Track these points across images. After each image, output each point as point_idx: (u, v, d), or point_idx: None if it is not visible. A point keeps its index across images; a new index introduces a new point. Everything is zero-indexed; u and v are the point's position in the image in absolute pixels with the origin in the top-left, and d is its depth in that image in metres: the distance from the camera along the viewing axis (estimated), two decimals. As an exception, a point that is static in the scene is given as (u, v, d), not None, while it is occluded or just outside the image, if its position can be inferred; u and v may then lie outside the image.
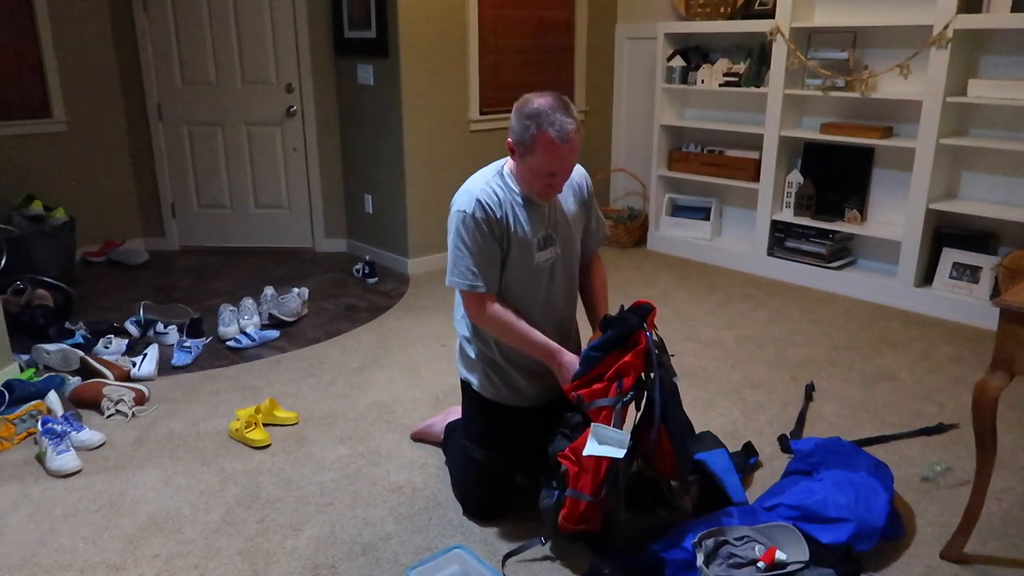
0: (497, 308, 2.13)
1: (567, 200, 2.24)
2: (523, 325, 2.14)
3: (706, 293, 4.29)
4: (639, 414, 2.07)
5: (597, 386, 2.00)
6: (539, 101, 2.00)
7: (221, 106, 4.82)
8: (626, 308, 2.11)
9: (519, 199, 2.12)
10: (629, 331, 2.02)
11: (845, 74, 4.02)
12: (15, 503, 2.37)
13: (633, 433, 2.03)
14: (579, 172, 2.29)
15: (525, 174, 2.07)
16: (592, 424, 1.96)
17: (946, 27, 3.56)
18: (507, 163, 2.17)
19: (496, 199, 2.09)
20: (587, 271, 2.38)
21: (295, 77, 4.73)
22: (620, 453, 1.91)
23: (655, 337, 2.02)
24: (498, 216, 2.08)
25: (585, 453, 1.93)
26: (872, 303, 4.09)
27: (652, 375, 2.00)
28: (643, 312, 2.05)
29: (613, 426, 1.95)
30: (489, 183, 2.11)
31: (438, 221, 4.16)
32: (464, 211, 2.07)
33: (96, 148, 4.80)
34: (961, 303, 3.79)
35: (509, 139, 2.07)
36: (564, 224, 2.21)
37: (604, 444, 1.92)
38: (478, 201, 2.07)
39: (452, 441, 2.51)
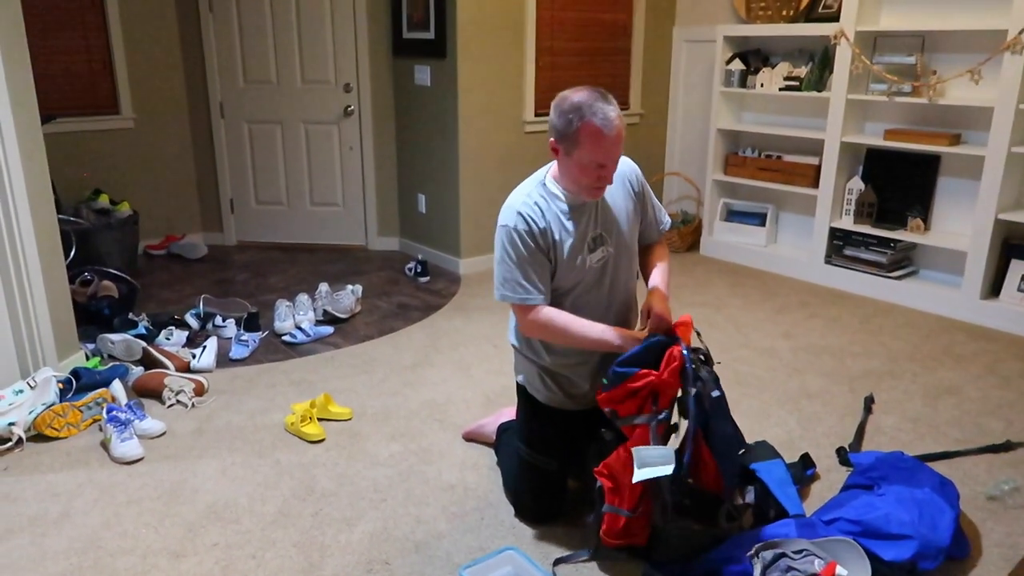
0: (550, 315, 2.11)
1: (615, 196, 2.19)
2: (578, 324, 2.10)
3: (761, 300, 4.22)
4: (683, 429, 2.02)
5: (630, 403, 1.95)
6: (578, 95, 1.97)
7: (281, 105, 4.91)
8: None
9: (563, 206, 2.10)
10: (656, 350, 1.96)
11: (912, 79, 3.92)
12: (81, 487, 2.45)
13: (678, 448, 1.98)
14: (627, 165, 2.24)
15: (573, 171, 2.03)
16: (633, 449, 1.92)
17: (1021, 32, 3.44)
18: (549, 171, 2.14)
19: (538, 210, 2.07)
20: (647, 257, 2.34)
21: (353, 77, 4.79)
22: (668, 470, 1.87)
23: (691, 354, 1.95)
24: (541, 227, 2.07)
25: (634, 480, 1.89)
26: (935, 315, 3.97)
27: (691, 391, 1.92)
28: (667, 342, 1.98)
29: (652, 444, 1.91)
30: (531, 195, 2.10)
31: (490, 222, 4.14)
32: (507, 225, 2.07)
33: (160, 144, 4.94)
34: (1030, 317, 3.66)
35: (551, 138, 2.04)
36: (614, 220, 2.17)
37: (649, 466, 1.89)
38: (519, 215, 2.06)
39: (504, 442, 2.51)
